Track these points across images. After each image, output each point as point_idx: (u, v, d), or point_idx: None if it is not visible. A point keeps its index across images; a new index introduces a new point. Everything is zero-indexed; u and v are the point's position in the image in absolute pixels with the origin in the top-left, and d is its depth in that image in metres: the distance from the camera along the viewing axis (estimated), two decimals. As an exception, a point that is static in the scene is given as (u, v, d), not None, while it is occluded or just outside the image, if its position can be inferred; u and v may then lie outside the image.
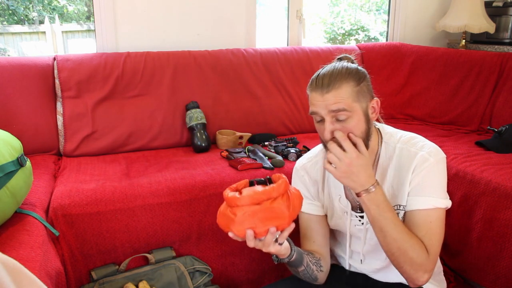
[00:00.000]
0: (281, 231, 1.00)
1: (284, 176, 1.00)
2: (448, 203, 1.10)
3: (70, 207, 1.36)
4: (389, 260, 1.20)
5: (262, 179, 1.02)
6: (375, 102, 1.11)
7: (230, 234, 0.98)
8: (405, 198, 1.11)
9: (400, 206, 1.13)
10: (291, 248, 1.11)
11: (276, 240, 1.02)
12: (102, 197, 1.40)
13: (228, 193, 0.97)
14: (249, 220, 0.95)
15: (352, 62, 1.13)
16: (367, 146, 1.09)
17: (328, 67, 1.10)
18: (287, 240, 1.11)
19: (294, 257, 1.11)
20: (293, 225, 1.01)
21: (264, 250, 1.01)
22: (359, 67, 1.11)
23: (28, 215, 1.23)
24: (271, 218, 0.96)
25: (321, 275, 1.20)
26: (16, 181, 1.13)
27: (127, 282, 1.37)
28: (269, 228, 0.96)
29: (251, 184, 1.02)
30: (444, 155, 1.11)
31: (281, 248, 1.05)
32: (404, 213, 1.13)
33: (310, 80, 1.11)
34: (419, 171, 1.08)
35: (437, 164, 1.08)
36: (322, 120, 1.08)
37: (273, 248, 1.02)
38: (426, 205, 1.07)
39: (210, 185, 1.51)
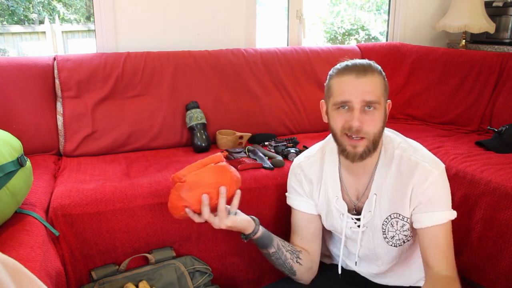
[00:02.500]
0: (229, 198, 1.09)
1: (219, 153, 1.12)
2: (455, 214, 1.11)
3: (70, 207, 1.36)
4: (382, 269, 1.21)
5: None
6: (389, 104, 1.12)
7: (187, 210, 1.07)
8: (405, 209, 1.11)
9: (399, 215, 1.13)
10: (254, 223, 1.15)
11: (229, 212, 1.09)
12: (102, 197, 1.40)
13: (173, 175, 1.09)
14: (198, 183, 1.04)
15: None
16: (378, 145, 1.10)
17: (356, 60, 1.10)
18: (252, 218, 1.16)
19: (259, 233, 1.15)
20: (239, 192, 1.10)
21: (222, 225, 1.07)
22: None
23: (28, 215, 1.23)
24: (219, 173, 1.06)
25: (299, 269, 1.21)
26: (16, 181, 1.13)
27: (127, 282, 1.37)
28: (218, 188, 1.05)
29: None
30: (443, 165, 1.11)
31: (238, 220, 1.10)
32: (411, 228, 1.14)
33: (336, 70, 1.09)
34: (425, 186, 1.07)
35: (441, 177, 1.08)
36: (348, 108, 1.05)
37: (229, 221, 1.07)
38: (441, 220, 1.07)
39: (210, 185, 1.51)
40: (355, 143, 1.06)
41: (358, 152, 1.07)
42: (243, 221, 1.12)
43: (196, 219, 1.07)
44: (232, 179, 1.08)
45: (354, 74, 1.04)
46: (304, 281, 1.24)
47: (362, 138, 1.06)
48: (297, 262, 1.20)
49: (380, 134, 1.08)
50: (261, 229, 1.16)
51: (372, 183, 1.15)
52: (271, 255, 1.18)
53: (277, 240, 1.19)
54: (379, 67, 1.10)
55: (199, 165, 1.07)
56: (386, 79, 1.11)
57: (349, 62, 1.09)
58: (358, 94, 1.03)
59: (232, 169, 1.11)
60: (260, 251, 1.22)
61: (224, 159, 1.12)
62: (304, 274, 1.22)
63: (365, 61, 1.09)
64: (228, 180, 1.06)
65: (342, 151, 1.10)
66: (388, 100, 1.13)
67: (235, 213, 1.10)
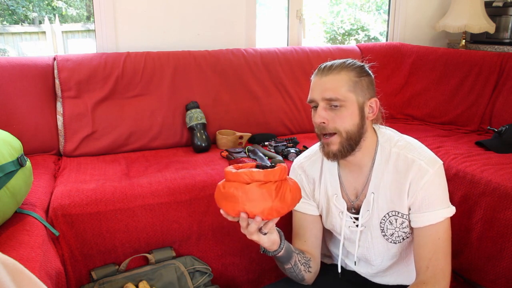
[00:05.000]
0: (268, 220, 1.00)
1: (284, 164, 1.01)
2: (453, 210, 1.10)
3: (70, 207, 1.36)
4: (381, 268, 1.21)
5: (268, 165, 1.04)
6: (374, 101, 1.11)
7: (221, 212, 1.00)
8: (404, 206, 1.11)
9: (398, 213, 1.13)
10: (279, 244, 1.10)
11: (261, 230, 1.03)
12: (102, 197, 1.40)
13: (227, 167, 1.00)
14: (235, 196, 0.95)
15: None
16: (357, 143, 1.10)
17: (335, 60, 1.12)
18: (279, 234, 1.11)
19: (281, 253, 1.12)
20: (277, 218, 1.02)
21: (248, 236, 1.03)
22: (367, 67, 1.12)
23: (28, 215, 1.23)
24: (258, 199, 0.95)
25: (309, 276, 1.20)
26: (16, 181, 1.13)
27: (127, 282, 1.37)
28: (257, 210, 0.96)
29: (257, 167, 1.04)
30: (441, 162, 1.10)
31: (266, 239, 1.05)
32: (411, 228, 1.13)
33: (314, 71, 1.14)
34: (420, 185, 1.07)
35: (437, 175, 1.08)
36: (317, 107, 1.10)
37: (256, 237, 1.03)
38: (436, 219, 1.07)
39: (210, 185, 1.51)
40: (327, 140, 1.09)
41: (332, 150, 1.09)
42: (268, 242, 1.06)
43: (230, 219, 1.02)
44: (275, 209, 0.96)
45: (319, 74, 1.10)
46: (308, 283, 1.24)
47: (333, 134, 1.07)
48: (308, 271, 1.19)
49: (355, 131, 1.08)
50: (283, 251, 1.11)
51: (370, 182, 1.15)
52: (286, 269, 1.18)
53: (295, 257, 1.16)
54: (358, 64, 1.10)
55: (247, 175, 0.95)
56: (367, 76, 1.10)
57: (325, 63, 1.12)
58: (319, 92, 1.08)
59: (283, 196, 0.96)
60: (276, 261, 1.20)
61: (285, 175, 0.99)
62: (310, 279, 1.23)
63: (340, 60, 1.11)
64: (267, 210, 0.96)
65: (321, 148, 1.13)
66: (373, 98, 1.12)
67: (265, 233, 1.04)
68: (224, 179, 1.02)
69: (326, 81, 1.07)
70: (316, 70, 1.12)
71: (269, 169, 0.97)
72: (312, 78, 1.13)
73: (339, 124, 1.07)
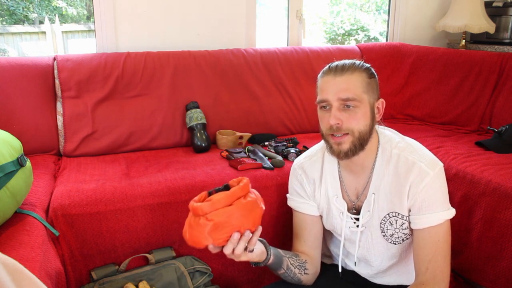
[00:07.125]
0: (250, 236, 0.98)
1: (245, 178, 0.99)
2: (453, 212, 1.10)
3: (70, 207, 1.36)
4: (381, 268, 1.21)
5: (220, 187, 1.01)
6: (381, 103, 1.13)
7: (210, 246, 0.96)
8: (404, 208, 1.11)
9: (398, 214, 1.13)
10: (267, 252, 1.09)
11: (246, 249, 1.00)
12: (102, 197, 1.40)
13: (194, 203, 0.95)
14: (226, 223, 0.93)
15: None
16: (366, 143, 1.10)
17: (344, 60, 1.12)
18: (263, 243, 1.10)
19: (270, 261, 1.11)
20: (260, 229, 1.00)
21: (236, 260, 1.00)
22: (372, 69, 1.13)
23: (28, 215, 1.23)
24: (249, 212, 0.95)
25: (306, 278, 1.20)
26: (16, 181, 1.13)
27: (127, 282, 1.37)
28: (245, 229, 0.95)
29: (210, 194, 1.00)
30: (442, 164, 1.10)
31: (254, 255, 1.03)
32: (411, 229, 1.13)
33: (321, 71, 1.12)
34: (420, 187, 1.07)
35: (437, 177, 1.08)
36: (328, 107, 1.08)
37: (245, 257, 1.00)
38: (436, 221, 1.07)
39: (210, 185, 1.51)
40: (339, 140, 1.08)
41: (343, 150, 1.08)
42: (257, 256, 1.06)
43: (214, 251, 0.99)
44: (260, 217, 0.98)
45: (332, 74, 1.08)
46: (307, 284, 1.24)
47: (345, 134, 1.07)
48: (304, 274, 1.19)
49: (366, 132, 1.08)
50: (272, 257, 1.11)
51: (371, 183, 1.15)
52: (280, 275, 1.17)
53: (286, 262, 1.16)
54: (366, 66, 1.11)
55: (226, 199, 0.94)
56: (375, 77, 1.11)
57: (334, 63, 1.11)
58: (334, 92, 1.06)
59: (261, 203, 0.99)
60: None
61: (250, 186, 1.00)
62: (309, 281, 1.22)
63: (349, 61, 1.10)
64: (256, 219, 0.97)
65: (329, 149, 1.12)
66: (380, 99, 1.13)
67: (252, 250, 1.02)
68: (190, 219, 0.97)
69: (341, 81, 1.06)
70: (326, 69, 1.11)
71: (240, 185, 0.96)
72: (321, 78, 1.11)
73: (354, 125, 1.06)
